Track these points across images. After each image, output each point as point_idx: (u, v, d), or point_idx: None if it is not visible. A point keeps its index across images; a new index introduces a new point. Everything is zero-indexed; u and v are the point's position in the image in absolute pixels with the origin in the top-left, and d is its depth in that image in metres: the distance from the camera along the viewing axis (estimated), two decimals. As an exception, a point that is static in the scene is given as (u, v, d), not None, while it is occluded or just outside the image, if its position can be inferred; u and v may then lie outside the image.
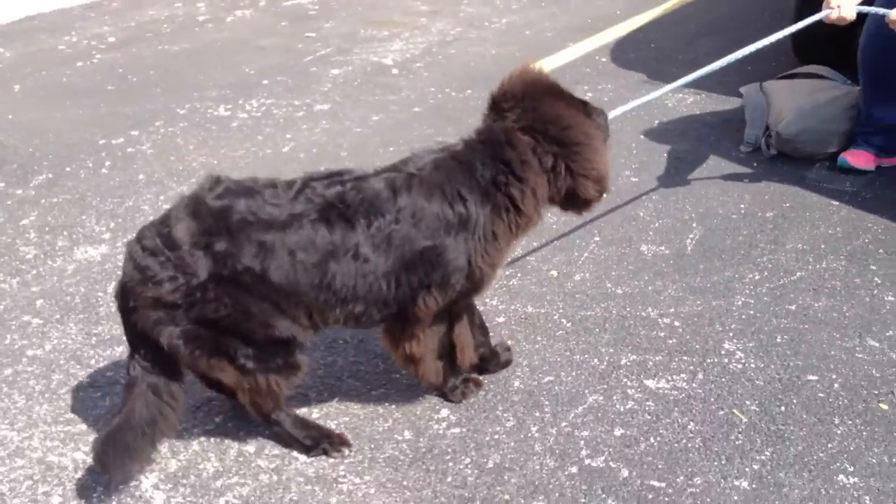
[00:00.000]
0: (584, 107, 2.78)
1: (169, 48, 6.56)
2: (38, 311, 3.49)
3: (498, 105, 2.72)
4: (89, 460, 2.73)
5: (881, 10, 3.67)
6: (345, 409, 2.96)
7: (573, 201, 2.78)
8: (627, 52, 6.18)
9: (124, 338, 3.08)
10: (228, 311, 2.48)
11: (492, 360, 3.10)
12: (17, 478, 2.69)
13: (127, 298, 2.54)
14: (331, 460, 2.74)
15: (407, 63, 6.15)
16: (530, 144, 2.64)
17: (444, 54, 6.33)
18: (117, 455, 2.49)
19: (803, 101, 4.52)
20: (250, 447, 2.80)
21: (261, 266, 2.46)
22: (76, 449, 2.80)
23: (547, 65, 4.43)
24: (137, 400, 2.54)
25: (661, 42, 6.42)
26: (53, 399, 3.02)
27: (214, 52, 6.45)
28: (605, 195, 2.82)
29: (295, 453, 2.77)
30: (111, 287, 3.61)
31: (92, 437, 2.82)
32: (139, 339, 2.56)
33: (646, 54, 6.14)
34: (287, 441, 2.79)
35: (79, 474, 2.70)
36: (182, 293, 2.45)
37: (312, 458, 2.74)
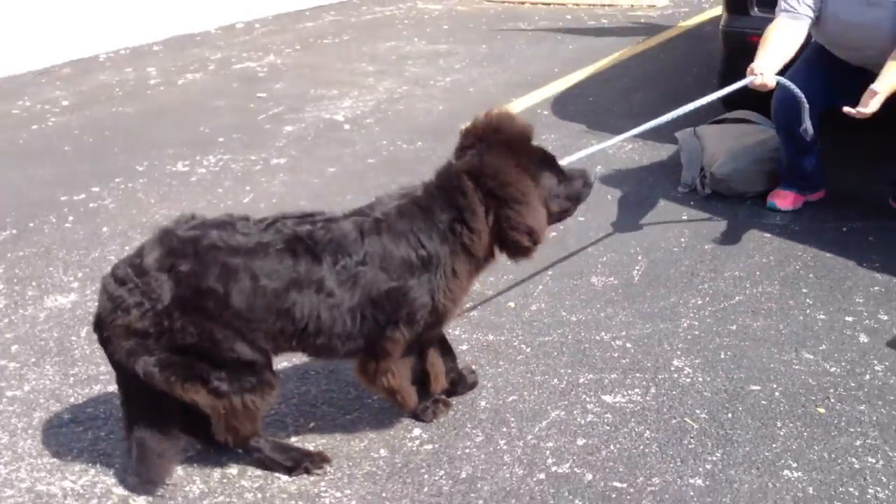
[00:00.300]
0: (533, 163, 2.89)
1: (123, 110, 6.72)
2: (13, 356, 3.59)
3: (461, 141, 2.94)
4: (78, 488, 2.85)
5: (793, 86, 4.02)
6: (321, 433, 3.11)
7: (510, 249, 2.92)
8: (567, 106, 6.52)
9: (101, 377, 3.24)
10: (195, 339, 2.61)
11: (460, 384, 3.28)
12: (8, 506, 2.79)
13: (102, 329, 2.67)
14: (312, 478, 2.88)
15: (358, 119, 6.41)
16: (476, 191, 2.80)
17: (392, 110, 6.60)
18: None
19: (733, 143, 4.86)
20: (233, 470, 2.93)
21: (223, 289, 2.59)
22: (63, 479, 2.89)
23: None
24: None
25: (597, 96, 6.79)
26: (36, 435, 3.11)
27: (168, 113, 6.63)
28: (538, 246, 2.92)
29: (277, 473, 2.91)
30: (84, 331, 3.73)
31: (77, 467, 2.94)
32: (119, 367, 2.70)
33: (584, 107, 6.49)
34: (268, 465, 2.92)
35: (68, 501, 2.80)
36: (150, 320, 2.56)
37: (294, 477, 2.88)
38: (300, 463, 2.91)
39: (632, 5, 10.96)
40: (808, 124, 4.06)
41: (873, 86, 3.92)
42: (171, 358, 2.61)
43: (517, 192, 2.82)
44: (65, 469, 2.93)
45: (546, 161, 2.98)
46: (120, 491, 2.84)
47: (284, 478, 2.88)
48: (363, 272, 2.70)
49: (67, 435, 3.11)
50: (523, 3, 11.15)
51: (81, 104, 6.88)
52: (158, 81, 7.51)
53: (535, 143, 2.95)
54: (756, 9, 5.27)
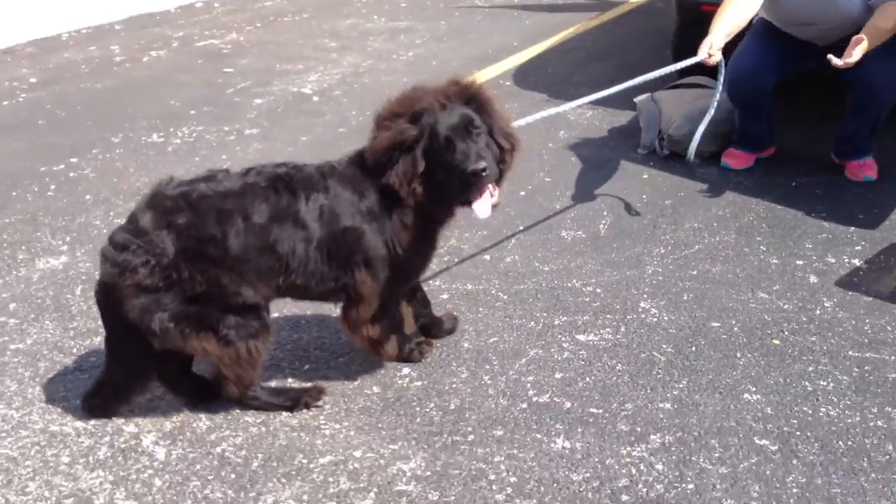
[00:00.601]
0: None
1: (91, 86, 6.81)
2: (12, 313, 3.73)
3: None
4: (90, 428, 3.03)
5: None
6: (315, 375, 3.31)
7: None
8: (528, 77, 6.75)
9: (100, 329, 3.40)
10: (203, 287, 2.80)
11: (434, 327, 3.50)
12: (25, 445, 2.95)
13: (108, 295, 2.82)
14: (311, 412, 3.09)
15: (325, 91, 6.57)
16: None
17: (358, 83, 6.77)
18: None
19: (689, 107, 5.13)
20: (236, 409, 3.12)
21: (221, 233, 2.79)
22: (75, 419, 3.07)
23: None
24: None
25: (556, 68, 7.03)
26: (43, 382, 3.28)
27: (137, 88, 6.73)
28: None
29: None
30: (79, 290, 3.89)
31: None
32: (126, 330, 2.83)
33: (545, 78, 6.72)
34: (270, 409, 3.12)
35: (82, 438, 2.98)
36: (158, 275, 2.74)
37: (296, 413, 3.09)
38: (299, 399, 3.12)
39: (584, -17, 11.18)
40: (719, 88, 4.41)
41: (860, 35, 4.20)
42: (184, 310, 2.79)
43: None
44: (75, 412, 3.10)
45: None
46: (130, 428, 3.02)
47: (286, 413, 3.09)
48: (325, 205, 2.92)
49: (73, 381, 3.28)
50: (478, -19, 11.31)
51: (50, 81, 6.94)
52: (123, 59, 7.59)
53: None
54: (707, -23, 5.54)
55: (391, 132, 2.95)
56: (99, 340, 3.50)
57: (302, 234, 2.89)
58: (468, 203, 2.98)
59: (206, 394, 3.12)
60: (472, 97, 3.01)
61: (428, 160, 2.94)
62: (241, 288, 2.85)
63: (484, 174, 2.89)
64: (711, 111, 4.57)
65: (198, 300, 2.81)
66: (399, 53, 7.66)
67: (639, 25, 8.55)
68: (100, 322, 3.54)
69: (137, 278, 2.74)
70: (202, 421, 3.06)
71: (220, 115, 6.07)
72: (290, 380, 3.29)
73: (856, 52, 4.10)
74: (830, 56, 4.12)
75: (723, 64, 4.36)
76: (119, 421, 3.05)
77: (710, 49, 4.23)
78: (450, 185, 2.94)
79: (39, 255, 4.21)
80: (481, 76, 6.75)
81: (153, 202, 2.82)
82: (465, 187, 2.94)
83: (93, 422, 3.05)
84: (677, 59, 5.79)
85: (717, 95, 4.51)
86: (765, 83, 4.69)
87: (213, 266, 2.80)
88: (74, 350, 3.47)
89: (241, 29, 8.64)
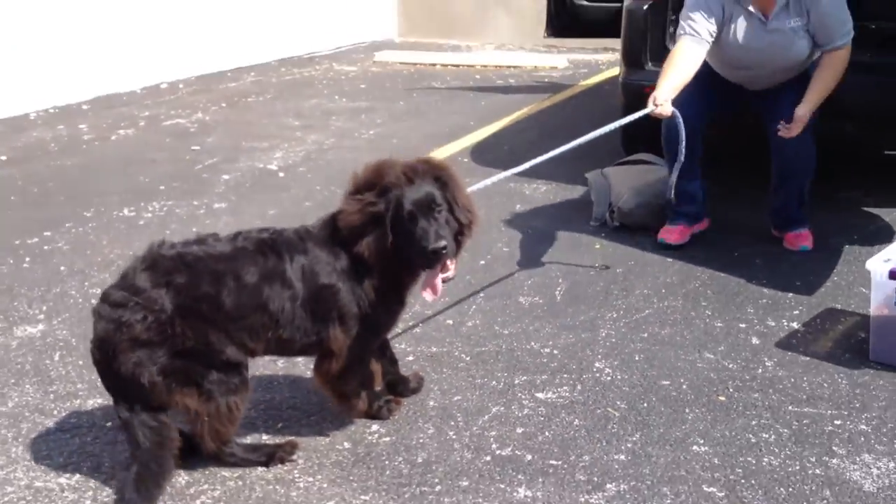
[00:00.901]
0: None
1: (62, 163, 7.00)
2: (-8, 378, 3.86)
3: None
4: (73, 483, 3.16)
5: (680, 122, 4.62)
6: (288, 432, 3.47)
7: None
8: (485, 154, 7.10)
9: (80, 392, 3.55)
10: (192, 343, 2.99)
11: (400, 385, 3.71)
12: (10, 500, 3.07)
13: (105, 351, 2.97)
14: (286, 467, 3.25)
15: (290, 167, 6.84)
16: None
17: (322, 160, 7.06)
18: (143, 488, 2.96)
19: (636, 182, 5.47)
20: (213, 464, 3.27)
21: (215, 291, 3.01)
22: (59, 476, 3.19)
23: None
24: (139, 432, 2.99)
25: (512, 145, 7.39)
26: (26, 442, 3.40)
27: (107, 166, 6.94)
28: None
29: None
30: (57, 355, 4.03)
31: (70, 467, 3.24)
32: (120, 386, 2.99)
33: (501, 155, 7.06)
34: (245, 465, 3.27)
35: (66, 493, 3.11)
36: (154, 329, 2.93)
37: (271, 468, 3.25)
38: (273, 455, 3.28)
39: (535, 67, 11.70)
40: (682, 145, 4.65)
41: (799, 110, 4.61)
42: (171, 364, 2.96)
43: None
44: (58, 469, 3.23)
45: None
46: (112, 484, 3.15)
47: (261, 468, 3.25)
48: (306, 266, 3.17)
49: (56, 441, 3.40)
50: (434, 65, 11.78)
51: (20, 159, 7.12)
52: (92, 137, 7.80)
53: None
54: (650, 64, 5.93)
55: (361, 206, 3.20)
56: (79, 403, 3.66)
57: (288, 292, 3.12)
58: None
59: (184, 451, 3.27)
60: (437, 175, 3.28)
61: (393, 231, 3.20)
62: (226, 346, 3.05)
63: (443, 252, 3.17)
64: (681, 158, 4.74)
65: (185, 355, 2.99)
66: (360, 132, 7.98)
67: (589, 105, 9.00)
68: (79, 385, 3.77)
69: (135, 333, 2.91)
70: (181, 476, 3.20)
71: (189, 191, 6.29)
72: (264, 436, 3.45)
73: (796, 128, 4.51)
74: (780, 125, 4.52)
75: (681, 121, 4.60)
76: (101, 477, 3.19)
77: (656, 101, 4.52)
78: (412, 257, 3.22)
79: (17, 324, 4.34)
80: (441, 153, 7.07)
81: (150, 262, 3.03)
82: (425, 261, 3.23)
83: (76, 477, 3.18)
84: (625, 137, 6.22)
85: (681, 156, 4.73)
86: (696, 124, 4.85)
87: (204, 323, 3.00)
88: (55, 412, 3.60)
89: (206, 109, 8.92)
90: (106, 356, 2.97)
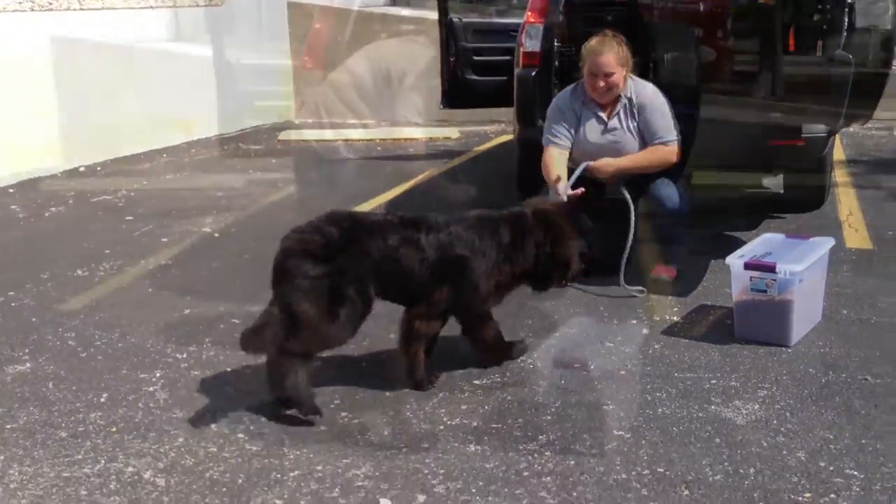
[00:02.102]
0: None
1: (3, 239, 7.46)
2: (-4, 406, 4.39)
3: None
4: (96, 471, 3.74)
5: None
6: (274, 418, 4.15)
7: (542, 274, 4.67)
8: (402, 208, 7.92)
9: (80, 410, 4.14)
10: (335, 271, 4.06)
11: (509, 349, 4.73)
12: (45, 487, 3.63)
13: (285, 255, 4.10)
14: (267, 440, 3.92)
15: (224, 230, 7.50)
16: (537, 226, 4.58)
17: (251, 222, 7.75)
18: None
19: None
20: (219, 450, 3.91)
21: (366, 239, 4.16)
22: (82, 468, 3.77)
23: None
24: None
25: (421, 202, 8.28)
26: (45, 447, 3.94)
27: (48, 237, 7.44)
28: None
29: (249, 444, 3.93)
30: (51, 384, 4.58)
31: (88, 461, 3.82)
32: (279, 280, 4.12)
33: (418, 208, 7.90)
34: (291, 393, 4.10)
35: (92, 479, 3.69)
36: (321, 246, 4.07)
37: (270, 445, 3.91)
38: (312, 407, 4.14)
39: (430, 138, 12.68)
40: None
41: (604, 160, 5.68)
42: (320, 279, 4.04)
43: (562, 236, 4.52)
44: (79, 463, 3.81)
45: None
46: (130, 469, 3.75)
47: (258, 446, 3.90)
48: (442, 240, 4.25)
49: (70, 444, 3.97)
50: (336, 140, 12.62)
51: (-40, 237, 7.56)
52: (26, 215, 8.26)
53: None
54: (541, 121, 6.91)
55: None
56: (82, 416, 4.23)
57: (420, 254, 4.21)
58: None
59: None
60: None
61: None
62: (352, 282, 4.10)
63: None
64: (630, 238, 5.66)
65: (332, 276, 4.05)
66: (281, 197, 8.73)
67: (485, 167, 10.02)
68: (78, 404, 4.38)
69: (309, 246, 4.08)
70: (187, 458, 3.84)
71: (134, 252, 6.88)
72: (254, 419, 4.11)
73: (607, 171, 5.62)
74: (588, 163, 5.57)
75: (629, 198, 5.64)
76: (119, 465, 3.79)
77: (558, 191, 5.42)
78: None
79: (6, 364, 4.85)
80: (361, 209, 7.87)
81: (329, 214, 4.27)
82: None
83: (97, 467, 3.77)
84: (521, 180, 7.14)
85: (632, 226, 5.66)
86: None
87: (353, 260, 4.11)
88: (62, 423, 4.14)
89: (129, 186, 9.46)
90: (284, 259, 4.09)
